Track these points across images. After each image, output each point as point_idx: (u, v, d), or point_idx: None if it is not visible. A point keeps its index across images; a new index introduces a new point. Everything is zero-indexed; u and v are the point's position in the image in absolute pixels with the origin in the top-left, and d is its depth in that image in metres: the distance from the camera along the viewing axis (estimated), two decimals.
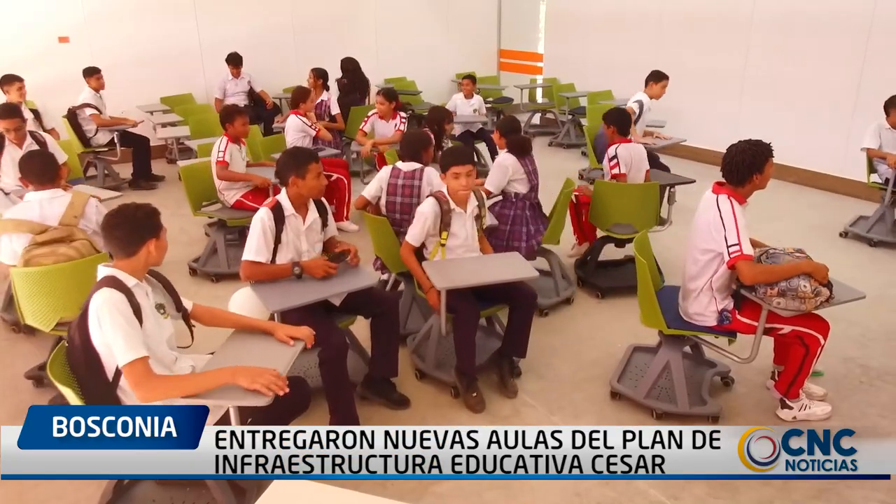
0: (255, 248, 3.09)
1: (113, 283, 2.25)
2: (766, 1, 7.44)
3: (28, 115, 6.28)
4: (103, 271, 2.31)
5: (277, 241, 3.14)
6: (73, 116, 6.92)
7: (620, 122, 4.80)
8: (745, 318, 3.09)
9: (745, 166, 2.98)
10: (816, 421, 3.18)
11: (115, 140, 7.04)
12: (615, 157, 4.73)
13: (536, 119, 10.53)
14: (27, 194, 3.49)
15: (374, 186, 4.05)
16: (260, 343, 2.56)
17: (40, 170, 3.47)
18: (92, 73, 7.06)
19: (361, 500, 1.72)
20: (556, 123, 10.12)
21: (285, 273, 3.11)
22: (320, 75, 7.34)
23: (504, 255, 3.57)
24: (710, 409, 3.23)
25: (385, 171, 4.07)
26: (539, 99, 11.08)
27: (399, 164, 4.06)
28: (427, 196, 3.61)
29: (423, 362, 3.65)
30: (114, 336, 2.15)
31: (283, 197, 3.20)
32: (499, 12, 11.38)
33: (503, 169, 4.36)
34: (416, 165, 4.02)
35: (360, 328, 4.05)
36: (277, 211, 3.14)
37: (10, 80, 6.23)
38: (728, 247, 2.93)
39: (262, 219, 3.11)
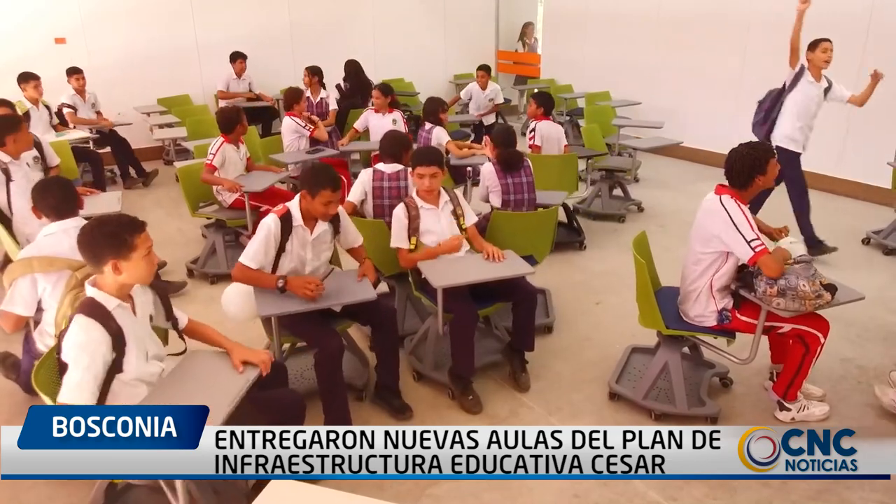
0: (252, 254, 3.05)
1: (90, 308, 2.17)
2: (764, 1, 7.45)
3: (44, 112, 6.57)
4: (87, 290, 2.24)
5: (282, 249, 3.11)
6: (59, 115, 6.96)
7: (546, 104, 5.80)
8: (744, 316, 3.09)
9: (747, 170, 2.99)
10: (814, 422, 3.18)
11: (91, 142, 6.94)
12: (534, 130, 5.68)
13: None
14: (48, 226, 3.05)
15: (358, 190, 4.01)
16: (211, 370, 2.48)
17: (58, 202, 3.07)
18: (71, 74, 7.10)
19: (358, 502, 1.72)
20: None
21: (270, 286, 3.03)
22: (315, 72, 7.36)
23: None
24: (709, 410, 3.23)
25: (366, 175, 4.02)
26: None
27: (380, 165, 4.04)
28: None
29: (421, 364, 3.64)
30: (69, 376, 2.11)
31: (294, 205, 3.15)
32: (496, 13, 11.38)
33: (483, 177, 4.47)
34: (399, 167, 4.01)
35: (359, 329, 4.06)
36: (286, 220, 3.10)
37: (27, 77, 6.47)
38: (748, 242, 2.91)
39: (268, 225, 3.07)
